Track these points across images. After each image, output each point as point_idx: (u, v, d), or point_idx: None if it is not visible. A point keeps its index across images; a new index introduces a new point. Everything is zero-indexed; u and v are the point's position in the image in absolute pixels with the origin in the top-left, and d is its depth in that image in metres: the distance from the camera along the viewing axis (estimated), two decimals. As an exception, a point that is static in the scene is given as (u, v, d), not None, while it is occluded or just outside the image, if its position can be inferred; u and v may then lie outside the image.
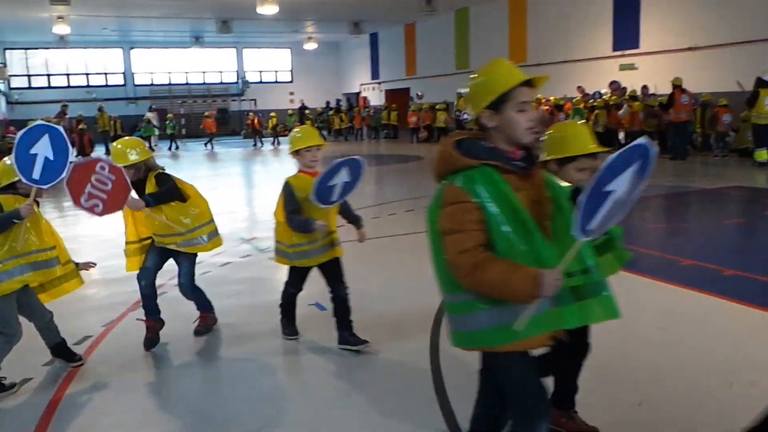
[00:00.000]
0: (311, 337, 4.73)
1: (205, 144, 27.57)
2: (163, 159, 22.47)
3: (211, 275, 6.42)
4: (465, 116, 23.97)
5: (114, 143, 4.36)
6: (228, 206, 11.37)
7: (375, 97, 33.85)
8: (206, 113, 29.85)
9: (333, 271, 4.47)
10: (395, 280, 6.19)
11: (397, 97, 31.07)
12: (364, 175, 4.25)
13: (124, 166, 4.14)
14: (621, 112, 16.83)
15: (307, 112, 30.87)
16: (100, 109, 24.84)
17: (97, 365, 4.33)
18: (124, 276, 6.54)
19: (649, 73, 18.43)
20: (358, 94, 35.74)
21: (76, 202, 4.03)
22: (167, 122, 27.80)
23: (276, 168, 19.16)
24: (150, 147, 26.24)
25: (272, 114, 30.04)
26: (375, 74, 34.07)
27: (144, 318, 4.66)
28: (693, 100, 15.45)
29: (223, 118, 34.80)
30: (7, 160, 3.90)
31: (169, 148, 26.60)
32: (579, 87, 19.75)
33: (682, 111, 15.03)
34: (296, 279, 4.63)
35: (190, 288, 4.76)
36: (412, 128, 26.43)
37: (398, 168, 17.21)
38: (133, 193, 4.25)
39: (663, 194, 10.71)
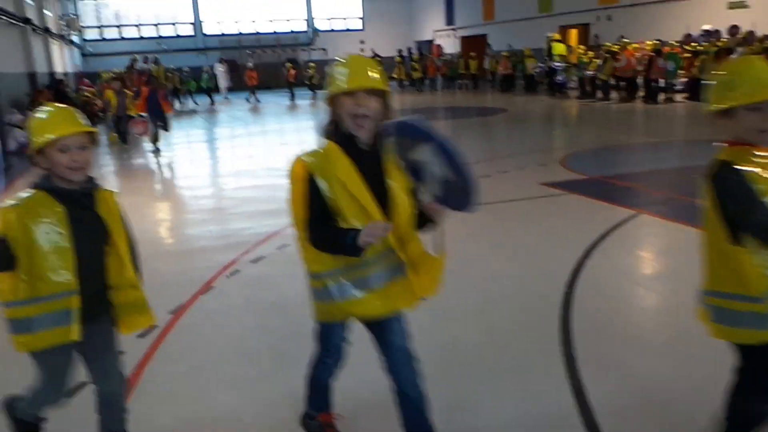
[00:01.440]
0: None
1: (247, 98, 26.35)
2: (201, 115, 22.03)
3: (289, 251, 5.64)
4: (557, 65, 22.38)
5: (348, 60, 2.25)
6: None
7: (449, 45, 32.31)
8: (248, 64, 28.66)
9: None
10: (512, 259, 5.26)
11: (473, 44, 29.52)
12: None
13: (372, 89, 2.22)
14: (733, 56, 15.06)
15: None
16: (155, 62, 24.34)
17: (165, 366, 3.63)
18: (194, 248, 5.97)
19: (764, 11, 16.46)
20: (431, 41, 34.25)
21: None
22: (204, 74, 27.00)
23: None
24: (212, 100, 25.56)
25: (311, 64, 29.00)
26: (449, 20, 32.45)
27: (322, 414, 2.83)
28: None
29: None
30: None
31: (212, 103, 25.53)
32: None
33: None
34: None
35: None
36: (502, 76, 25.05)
37: (480, 122, 16.03)
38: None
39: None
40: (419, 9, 36.07)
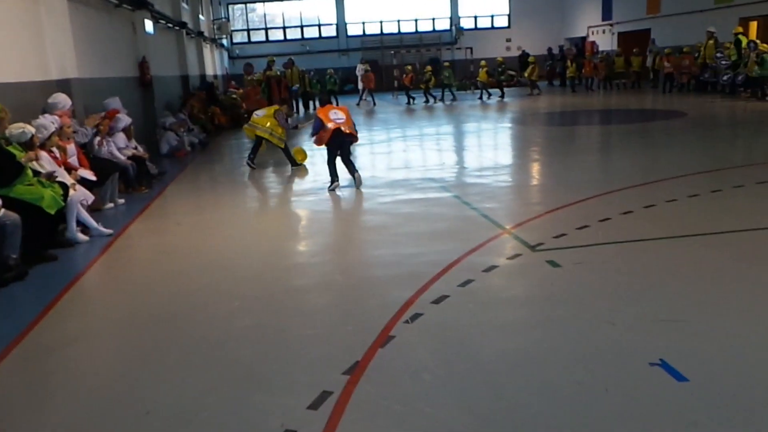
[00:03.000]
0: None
1: (358, 102, 25.70)
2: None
3: (475, 288, 4.71)
4: (724, 62, 20.24)
5: None
6: (448, 174, 9.75)
7: (605, 42, 30.20)
8: (364, 66, 27.06)
9: None
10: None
11: (633, 41, 27.33)
12: None
13: None
14: None
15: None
16: (290, 63, 23.50)
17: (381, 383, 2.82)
18: (362, 279, 4.76)
19: None
20: (584, 38, 32.23)
21: None
22: (327, 77, 25.86)
23: (467, 126, 17.15)
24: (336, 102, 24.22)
25: (407, 67, 27.69)
26: (606, 14, 30.31)
27: None
28: None
29: (434, 68, 33.37)
30: None
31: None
32: None
33: None
34: None
35: None
36: (666, 75, 22.94)
37: (663, 127, 14.28)
38: None
39: None
40: (572, 4, 34.09)
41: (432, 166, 10.59)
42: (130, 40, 13.05)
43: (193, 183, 10.47)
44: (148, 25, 13.63)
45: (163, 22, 15.76)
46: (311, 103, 24.32)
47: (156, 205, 8.59)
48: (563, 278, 4.77)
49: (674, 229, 5.83)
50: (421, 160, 11.52)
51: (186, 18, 19.57)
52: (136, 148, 10.29)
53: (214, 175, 11.44)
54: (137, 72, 13.31)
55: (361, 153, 12.83)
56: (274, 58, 21.67)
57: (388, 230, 6.54)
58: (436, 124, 18.05)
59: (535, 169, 10.16)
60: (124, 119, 9.70)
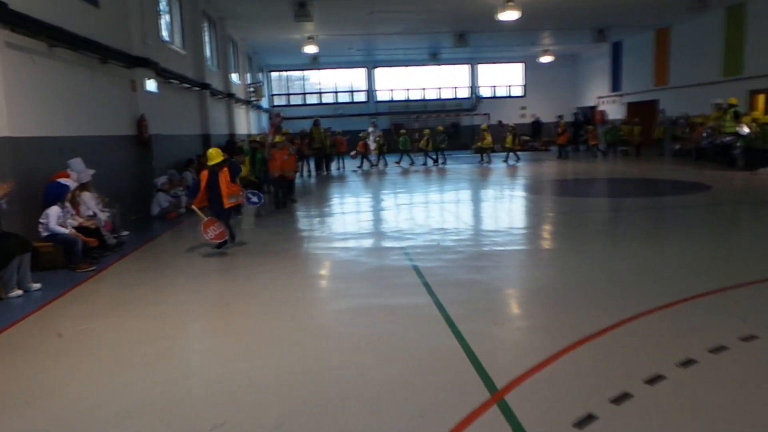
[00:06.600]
0: None
1: (327, 167, 20.35)
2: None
3: None
4: (727, 139, 16.96)
5: None
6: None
7: (614, 111, 27.19)
8: (338, 131, 21.52)
9: None
10: None
11: (642, 110, 24.31)
12: None
13: None
14: None
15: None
16: (315, 123, 19.68)
17: None
18: None
19: None
20: (593, 108, 29.26)
21: None
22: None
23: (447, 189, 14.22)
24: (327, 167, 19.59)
25: (362, 133, 22.43)
26: (616, 86, 27.35)
27: None
28: None
29: (455, 132, 30.67)
30: None
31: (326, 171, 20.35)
32: None
33: None
34: None
35: None
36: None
37: (691, 203, 11.17)
38: None
39: None
40: (583, 76, 31.22)
41: (419, 245, 7.68)
42: (127, 97, 10.66)
43: (146, 261, 7.68)
44: (150, 84, 11.25)
45: (176, 81, 13.41)
46: (324, 163, 20.60)
47: (73, 295, 5.93)
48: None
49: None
50: (411, 233, 8.58)
51: (213, 80, 17.33)
52: (93, 216, 7.75)
53: (186, 246, 8.71)
54: (134, 130, 10.90)
55: (352, 220, 10.09)
56: (283, 118, 17.70)
57: (311, 371, 3.70)
58: (415, 190, 15.28)
59: (545, 260, 7.21)
60: (72, 183, 7.17)
